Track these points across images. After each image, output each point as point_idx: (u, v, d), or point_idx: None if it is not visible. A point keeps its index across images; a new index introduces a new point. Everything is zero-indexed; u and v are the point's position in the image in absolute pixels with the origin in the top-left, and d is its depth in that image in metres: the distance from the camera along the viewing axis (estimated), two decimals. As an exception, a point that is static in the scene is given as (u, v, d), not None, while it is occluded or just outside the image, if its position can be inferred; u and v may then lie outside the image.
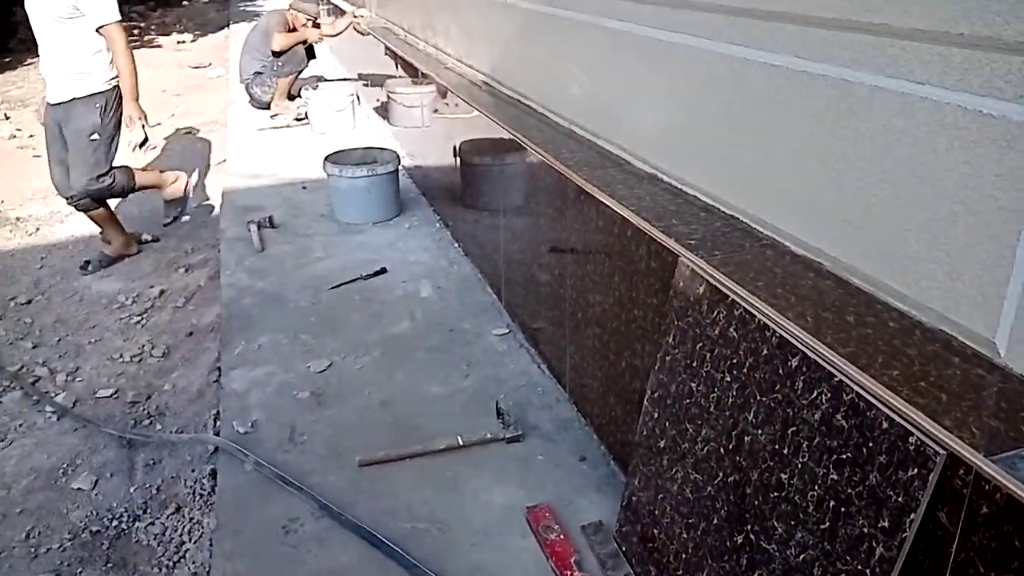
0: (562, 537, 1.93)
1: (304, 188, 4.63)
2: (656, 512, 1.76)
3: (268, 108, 6.47)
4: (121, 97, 3.79)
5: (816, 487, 1.28)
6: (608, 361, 2.20)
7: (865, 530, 1.18)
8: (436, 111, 4.19)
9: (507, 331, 2.96)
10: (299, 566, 1.90)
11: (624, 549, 1.89)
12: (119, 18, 3.69)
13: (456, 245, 3.76)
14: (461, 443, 2.29)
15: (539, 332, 2.80)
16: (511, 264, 3.04)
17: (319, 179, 4.43)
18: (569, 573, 1.82)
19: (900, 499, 1.12)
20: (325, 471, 2.22)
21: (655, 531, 1.76)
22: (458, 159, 3.66)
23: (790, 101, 1.60)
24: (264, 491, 2.15)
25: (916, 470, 1.10)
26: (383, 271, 3.45)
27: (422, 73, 4.31)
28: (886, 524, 1.14)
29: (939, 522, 1.09)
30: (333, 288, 3.33)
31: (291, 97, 6.51)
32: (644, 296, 1.94)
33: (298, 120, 6.17)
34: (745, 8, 1.69)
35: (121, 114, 3.83)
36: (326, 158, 4.09)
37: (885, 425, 1.16)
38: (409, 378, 2.67)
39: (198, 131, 6.64)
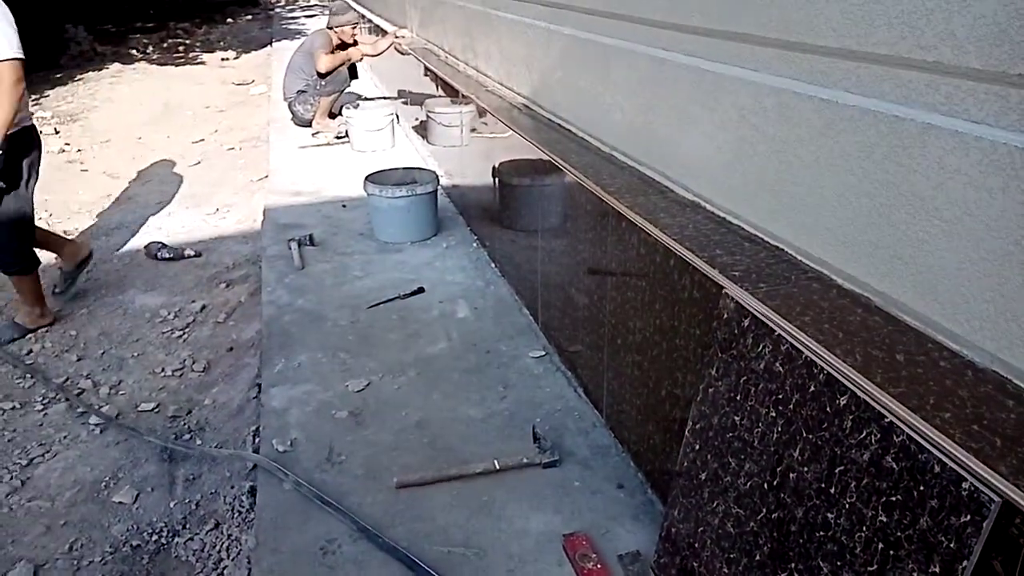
0: (599, 567, 1.92)
1: (344, 206, 4.69)
2: (696, 545, 1.74)
3: (310, 126, 6.58)
4: (13, 141, 3.23)
5: (864, 528, 1.26)
6: (648, 389, 2.19)
7: (915, 575, 1.16)
8: (475, 131, 4.23)
9: (543, 353, 2.96)
10: (336, 587, 1.91)
11: (662, 581, 1.87)
12: (13, 56, 3.11)
13: (493, 265, 3.77)
14: (497, 467, 2.29)
15: (576, 356, 2.80)
16: (548, 286, 3.05)
17: (359, 197, 4.48)
18: (606, 604, 1.81)
19: (952, 545, 1.10)
20: (363, 492, 2.23)
21: (695, 564, 1.74)
22: (496, 179, 3.68)
23: (839, 135, 1.59)
24: (303, 510, 2.17)
25: (969, 516, 1.08)
26: (420, 291, 3.48)
27: (462, 94, 4.36)
28: (937, 570, 1.12)
29: (993, 571, 1.07)
30: (371, 307, 3.36)
31: (332, 116, 6.62)
32: (687, 326, 1.93)
33: (339, 138, 6.26)
34: (795, 42, 1.69)
35: (18, 159, 3.33)
36: (366, 178, 4.14)
37: (937, 469, 1.14)
38: (446, 399, 2.68)
39: (240, 147, 6.78)
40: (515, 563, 1.97)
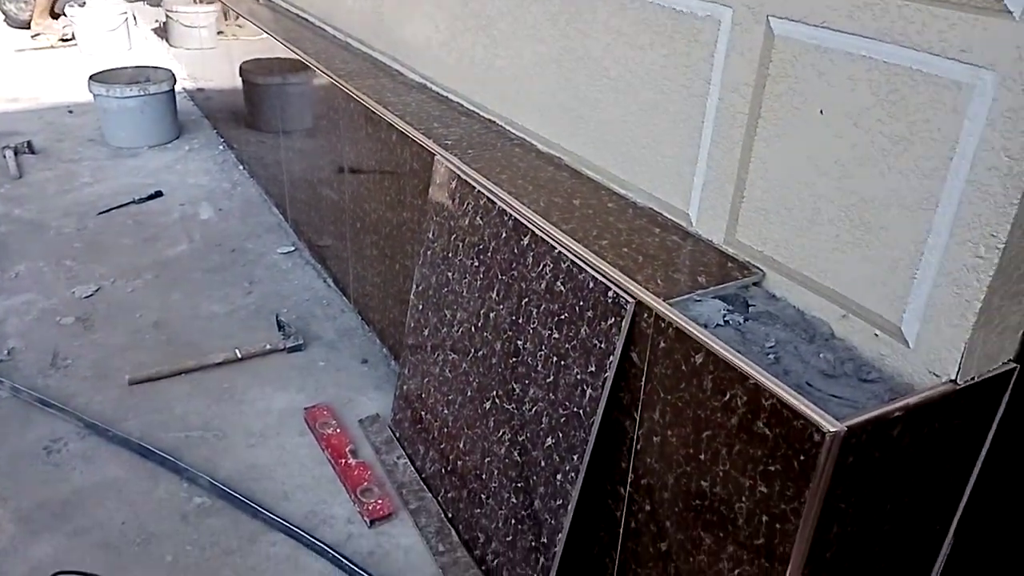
0: (338, 431, 2.01)
1: (70, 112, 4.26)
2: (423, 396, 1.88)
3: (28, 27, 5.81)
4: None
5: (544, 348, 1.43)
6: (385, 266, 2.27)
7: (578, 377, 1.35)
8: (220, 33, 3.98)
9: (293, 249, 2.95)
10: (63, 483, 1.84)
11: (398, 435, 2.00)
12: None
13: (241, 167, 3.64)
14: (239, 355, 2.28)
15: (325, 249, 2.82)
16: (295, 183, 3.01)
17: (88, 103, 4.08)
18: (343, 461, 1.91)
19: (603, 346, 1.30)
20: (91, 392, 2.14)
21: (423, 413, 1.88)
22: (242, 79, 3.51)
23: (531, 5, 1.71)
24: (22, 416, 2.04)
25: (614, 319, 1.27)
26: (158, 195, 3.28)
27: (198, -12, 4.06)
28: (593, 369, 1.31)
29: (632, 361, 1.28)
30: (102, 213, 3.13)
31: (55, 16, 5.88)
32: (411, 197, 2.02)
33: (64, 41, 5.61)
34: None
35: None
36: (91, 77, 3.77)
37: (591, 285, 1.32)
38: (186, 298, 2.60)
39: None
40: (256, 439, 2.00)
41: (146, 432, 1.99)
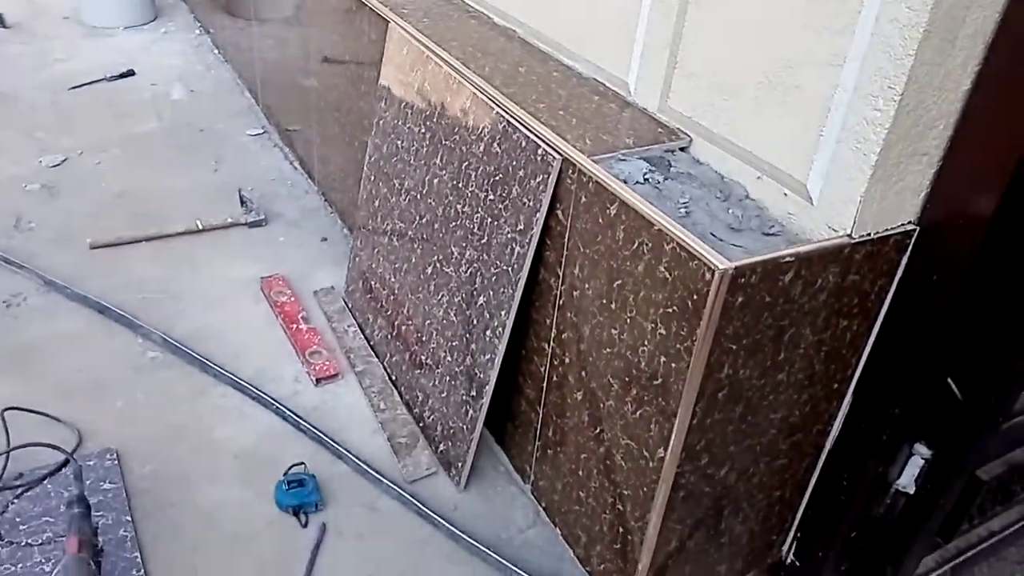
0: (292, 299, 2.07)
1: (45, -11, 4.16)
2: (373, 265, 1.92)
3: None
4: None
5: (480, 209, 1.47)
6: (345, 143, 2.28)
7: (509, 236, 1.39)
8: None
9: (262, 132, 2.95)
10: (21, 333, 1.90)
11: (350, 305, 2.06)
12: None
13: (216, 51, 3.59)
14: (200, 227, 2.32)
15: (293, 133, 2.82)
16: (268, 67, 2.98)
17: (63, -20, 3.98)
18: (295, 326, 1.97)
19: (531, 203, 1.33)
20: (53, 253, 2.18)
21: (373, 283, 1.93)
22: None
23: None
24: (-16, 272, 2.10)
25: (542, 176, 1.31)
26: (130, 73, 3.25)
27: None
28: (521, 227, 1.36)
29: (558, 218, 1.32)
30: (73, 89, 3.11)
31: None
32: (368, 71, 2.02)
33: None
34: None
35: None
36: (64, -50, 3.68)
37: (524, 144, 1.35)
38: (152, 172, 2.62)
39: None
40: (212, 304, 2.06)
41: (105, 292, 2.04)
